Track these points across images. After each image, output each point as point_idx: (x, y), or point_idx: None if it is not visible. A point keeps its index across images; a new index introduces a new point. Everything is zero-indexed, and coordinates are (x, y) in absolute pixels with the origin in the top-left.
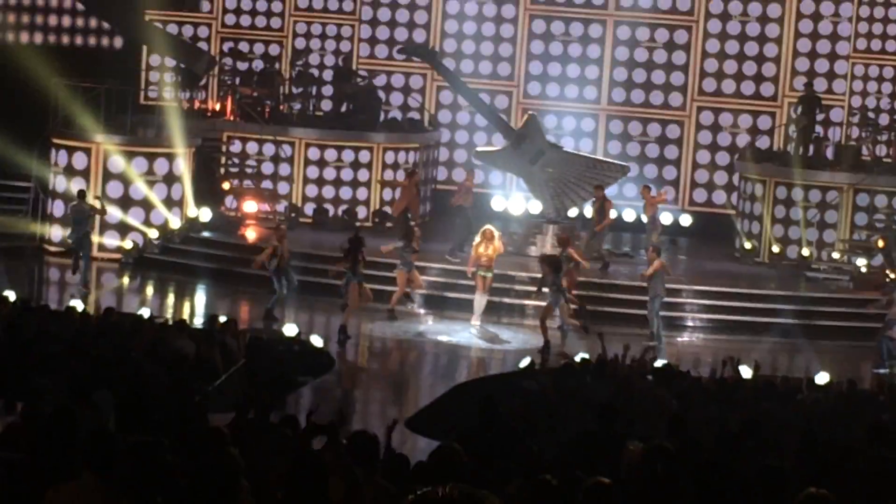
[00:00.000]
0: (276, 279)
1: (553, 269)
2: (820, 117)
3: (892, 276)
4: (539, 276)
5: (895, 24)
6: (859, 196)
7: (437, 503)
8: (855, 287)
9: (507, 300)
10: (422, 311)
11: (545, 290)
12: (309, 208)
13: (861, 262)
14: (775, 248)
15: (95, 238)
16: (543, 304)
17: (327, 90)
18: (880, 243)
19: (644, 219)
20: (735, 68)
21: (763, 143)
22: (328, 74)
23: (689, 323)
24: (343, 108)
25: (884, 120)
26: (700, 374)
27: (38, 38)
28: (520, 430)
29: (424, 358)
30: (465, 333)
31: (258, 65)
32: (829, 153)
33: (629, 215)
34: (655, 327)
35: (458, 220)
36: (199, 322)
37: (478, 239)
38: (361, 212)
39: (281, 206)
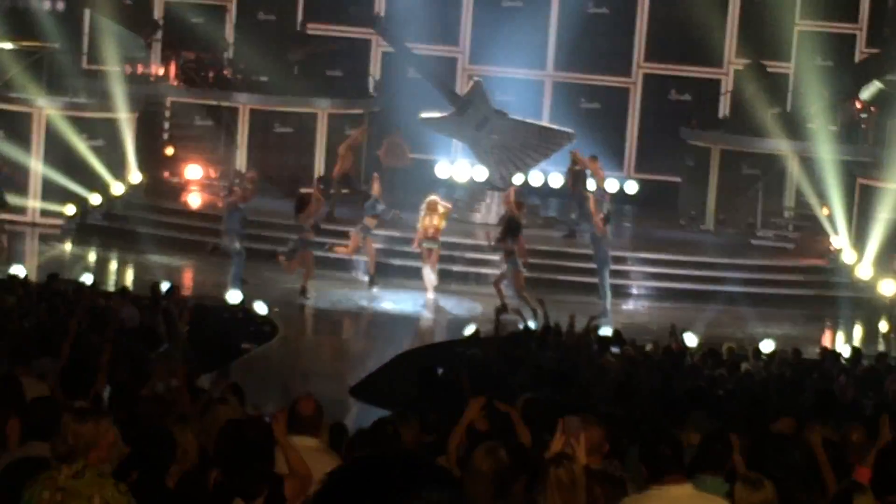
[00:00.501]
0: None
1: (509, 231)
2: (766, 85)
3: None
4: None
5: None
6: (804, 164)
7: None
8: (800, 255)
9: (454, 268)
10: (366, 278)
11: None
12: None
13: (806, 230)
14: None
15: (38, 203)
16: (492, 272)
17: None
18: (825, 211)
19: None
20: (682, 35)
21: (709, 110)
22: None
23: (635, 291)
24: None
25: None
26: (646, 343)
27: None
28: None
29: (369, 326)
30: (411, 302)
31: (202, 29)
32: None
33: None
34: (607, 299)
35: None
36: (141, 289)
37: (423, 211)
38: (305, 178)
39: (225, 172)
